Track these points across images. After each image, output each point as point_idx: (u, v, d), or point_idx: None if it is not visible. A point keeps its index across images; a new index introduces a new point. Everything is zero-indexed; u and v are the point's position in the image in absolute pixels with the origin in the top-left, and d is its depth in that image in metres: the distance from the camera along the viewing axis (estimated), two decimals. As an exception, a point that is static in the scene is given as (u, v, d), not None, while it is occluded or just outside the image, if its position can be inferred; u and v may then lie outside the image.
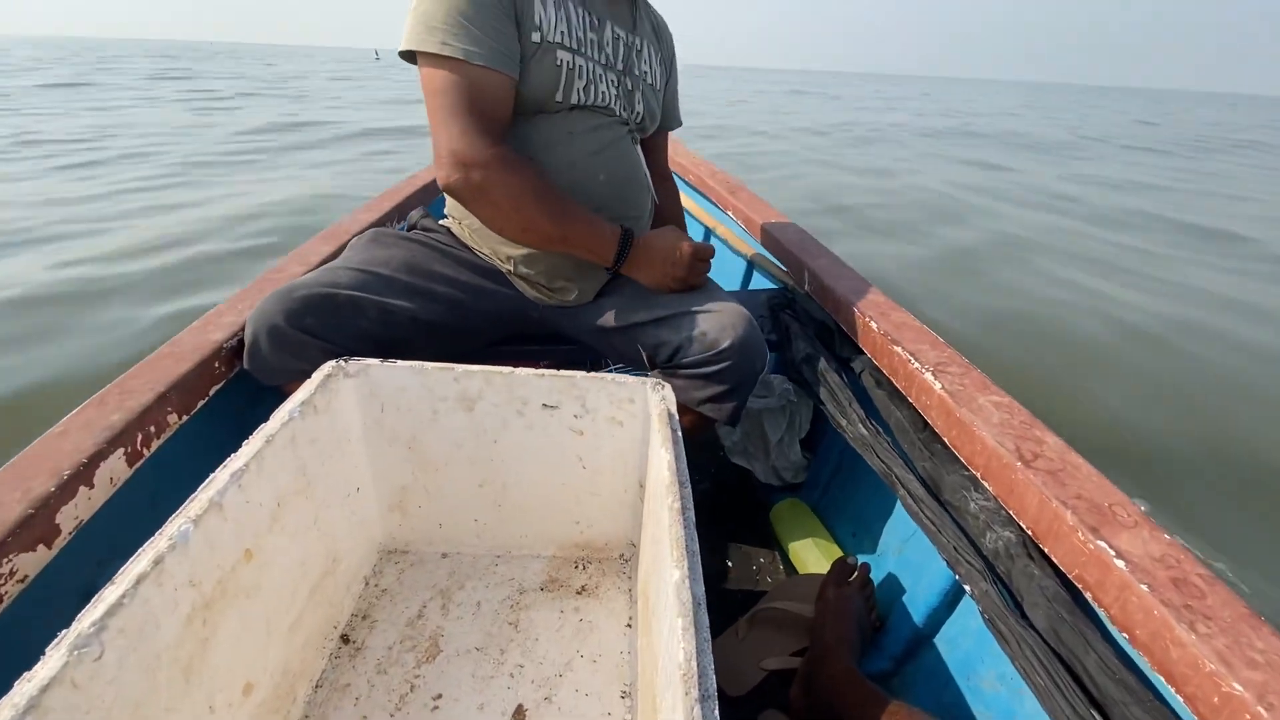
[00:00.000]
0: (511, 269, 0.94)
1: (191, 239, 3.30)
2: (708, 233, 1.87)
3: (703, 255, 0.91)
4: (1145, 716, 0.49)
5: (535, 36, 0.83)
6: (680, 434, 0.64)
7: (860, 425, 0.91)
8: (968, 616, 0.80)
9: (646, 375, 0.81)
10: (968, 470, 0.73)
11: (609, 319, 0.93)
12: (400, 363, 0.70)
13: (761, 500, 1.24)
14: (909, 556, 0.95)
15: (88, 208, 3.86)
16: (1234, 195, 6.74)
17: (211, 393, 0.79)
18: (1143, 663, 0.50)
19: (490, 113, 0.82)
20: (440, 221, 1.02)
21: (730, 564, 1.12)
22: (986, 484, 0.69)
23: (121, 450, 0.63)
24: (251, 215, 3.79)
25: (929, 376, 0.79)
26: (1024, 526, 0.64)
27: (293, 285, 0.80)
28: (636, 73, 0.97)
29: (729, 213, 1.70)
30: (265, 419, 0.59)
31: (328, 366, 0.68)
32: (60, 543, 0.56)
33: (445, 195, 0.90)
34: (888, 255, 3.72)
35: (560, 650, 0.71)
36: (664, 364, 0.90)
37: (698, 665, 0.41)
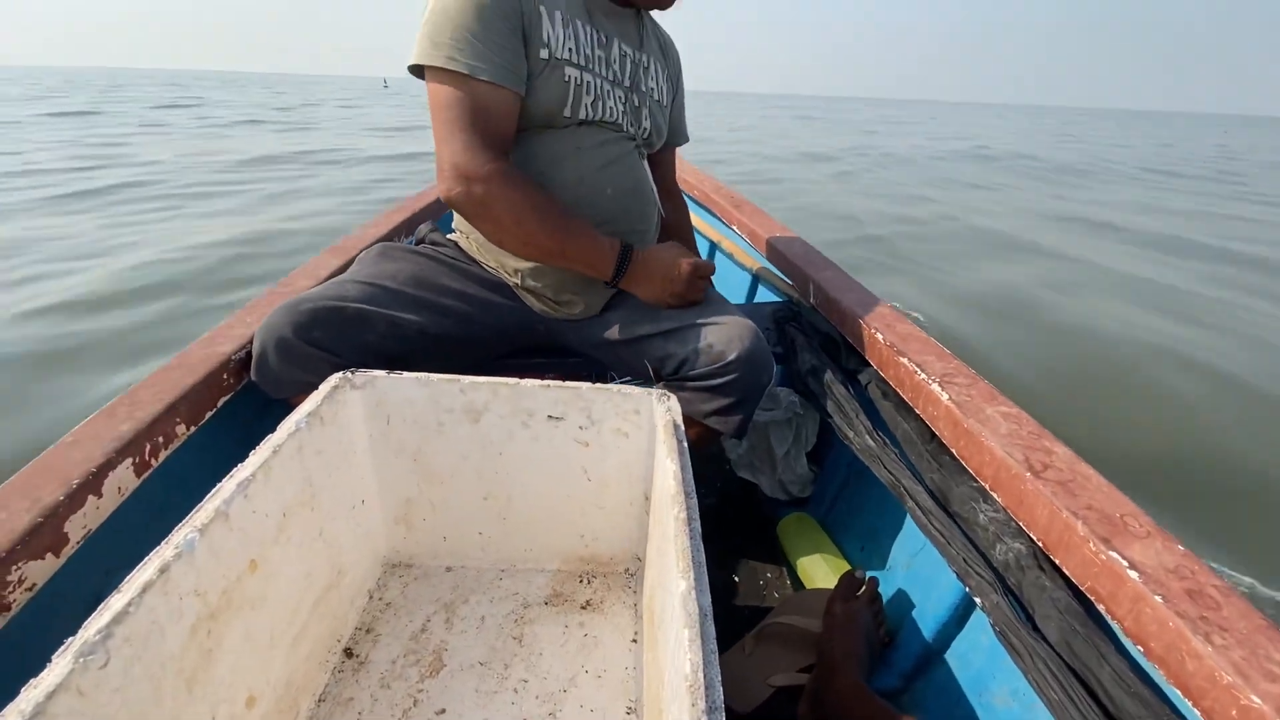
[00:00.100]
0: (518, 282, 0.94)
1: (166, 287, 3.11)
2: (713, 247, 1.88)
3: (702, 272, 0.92)
4: None
5: (543, 53, 0.85)
6: (686, 444, 0.64)
7: (867, 436, 0.91)
8: (978, 632, 0.79)
9: (652, 387, 0.81)
10: (976, 481, 0.73)
11: (615, 332, 0.94)
12: (407, 374, 0.71)
13: (768, 515, 1.23)
14: (918, 571, 0.94)
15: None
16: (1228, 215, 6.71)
17: (219, 404, 0.80)
18: (1158, 676, 0.49)
19: (494, 128, 0.83)
20: (448, 236, 1.03)
21: (737, 579, 1.11)
22: (996, 495, 0.69)
23: (130, 460, 0.64)
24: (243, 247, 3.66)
25: (936, 387, 0.79)
26: (1034, 538, 0.63)
27: (301, 298, 0.81)
28: (643, 89, 0.98)
29: (733, 227, 1.71)
30: (272, 431, 0.59)
31: (335, 378, 0.69)
32: (68, 552, 0.56)
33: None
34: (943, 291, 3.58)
35: (565, 665, 0.70)
36: (670, 376, 0.90)
37: (705, 677, 0.40)
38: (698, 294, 0.93)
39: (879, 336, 0.93)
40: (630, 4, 0.97)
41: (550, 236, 0.85)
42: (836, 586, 0.87)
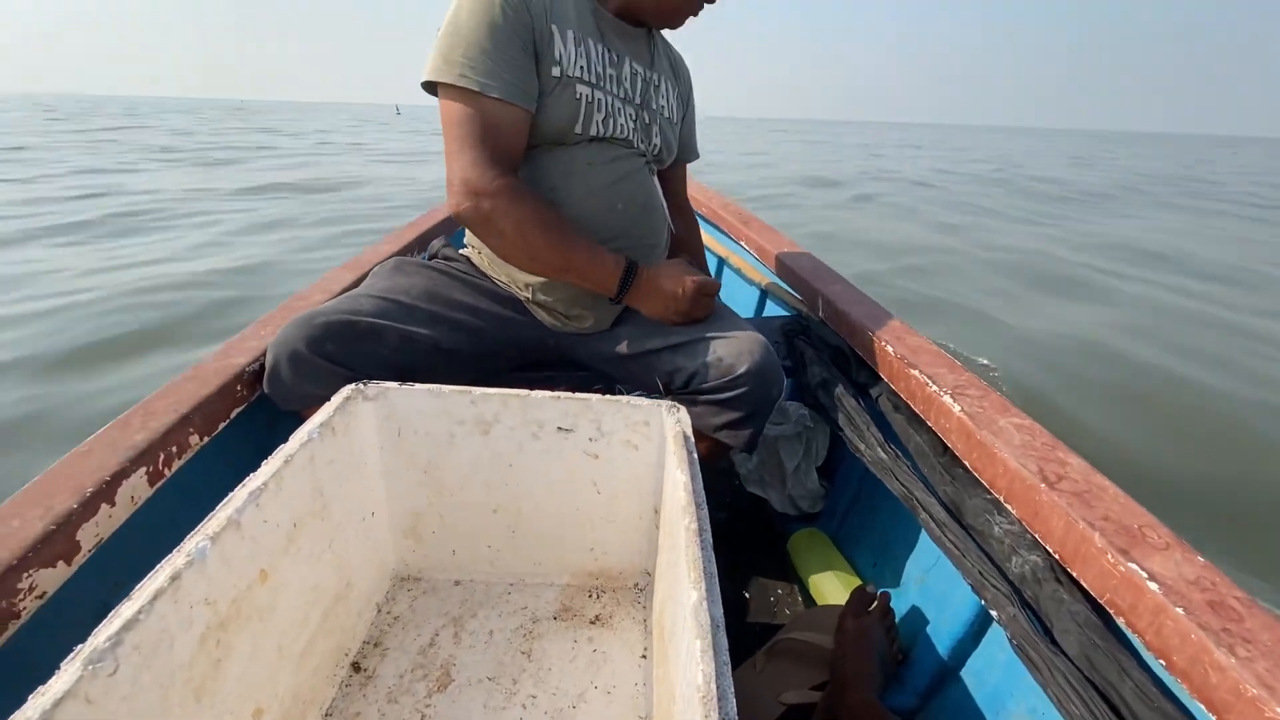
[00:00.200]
0: (529, 297, 0.95)
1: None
2: (721, 263, 1.88)
3: (707, 290, 0.92)
4: None
5: (555, 71, 0.86)
6: (696, 456, 0.64)
7: (879, 449, 0.90)
8: (995, 648, 0.78)
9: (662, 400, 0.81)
10: (990, 493, 0.72)
11: (625, 346, 0.94)
12: (419, 385, 0.71)
13: (778, 530, 1.22)
14: (931, 586, 0.92)
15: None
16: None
17: (233, 415, 0.80)
18: (1180, 690, 0.48)
19: (503, 144, 0.84)
20: (460, 251, 1.04)
21: (747, 595, 1.09)
22: (1010, 507, 0.68)
23: (143, 469, 0.64)
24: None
25: (948, 399, 0.79)
26: (1051, 550, 0.62)
27: (314, 312, 0.81)
28: (654, 107, 1.00)
29: (741, 243, 1.72)
30: (284, 443, 0.60)
31: (347, 389, 0.69)
32: (80, 559, 0.56)
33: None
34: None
35: (574, 681, 0.69)
36: (680, 390, 0.90)
37: (718, 688, 0.39)
38: (702, 312, 0.93)
39: (889, 349, 0.93)
40: (642, 24, 0.99)
41: (554, 252, 0.86)
42: (848, 602, 0.85)
